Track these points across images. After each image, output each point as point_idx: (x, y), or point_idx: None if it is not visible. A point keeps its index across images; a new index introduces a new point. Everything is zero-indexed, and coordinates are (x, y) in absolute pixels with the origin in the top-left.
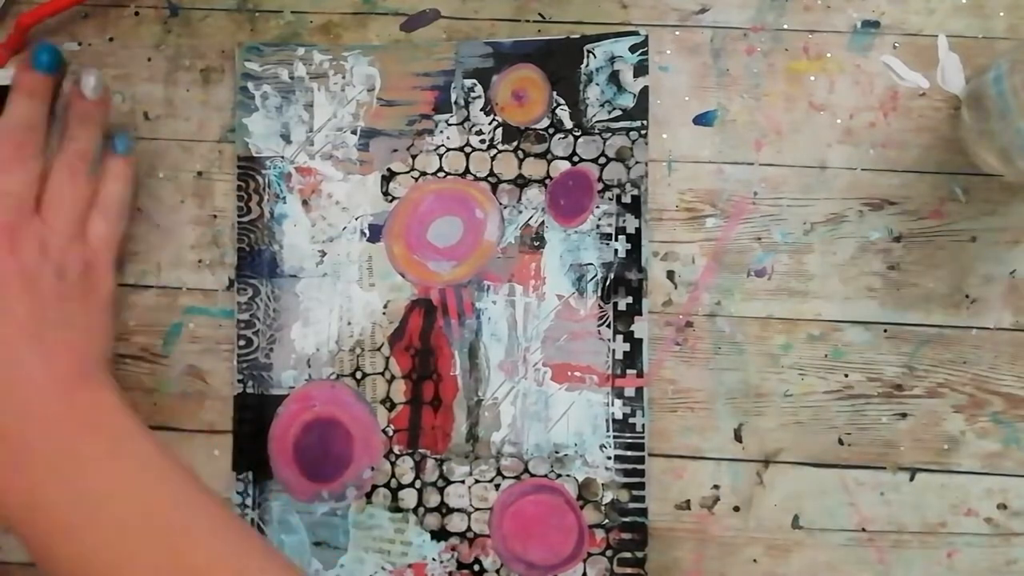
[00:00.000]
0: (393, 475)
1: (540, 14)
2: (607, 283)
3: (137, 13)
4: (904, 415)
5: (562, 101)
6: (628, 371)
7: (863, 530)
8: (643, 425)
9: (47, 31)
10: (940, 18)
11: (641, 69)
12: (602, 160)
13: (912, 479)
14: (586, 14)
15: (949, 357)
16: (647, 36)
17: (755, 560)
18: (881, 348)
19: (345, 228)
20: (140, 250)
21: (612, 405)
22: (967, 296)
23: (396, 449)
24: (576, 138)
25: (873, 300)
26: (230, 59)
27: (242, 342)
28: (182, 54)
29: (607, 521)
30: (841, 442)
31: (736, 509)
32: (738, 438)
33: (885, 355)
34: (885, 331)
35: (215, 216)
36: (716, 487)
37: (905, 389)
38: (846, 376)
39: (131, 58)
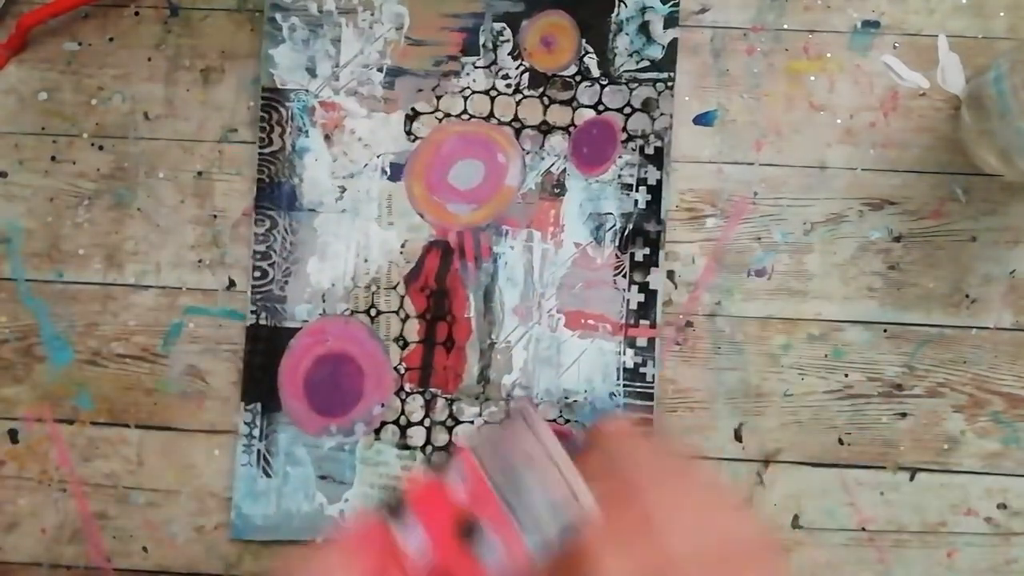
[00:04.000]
0: (403, 413)
1: None
2: (625, 233)
3: (137, 13)
4: (904, 415)
5: (591, 49)
6: (642, 321)
7: (863, 530)
8: (653, 375)
9: (48, 31)
10: (940, 18)
11: (672, 21)
12: (627, 110)
13: (912, 479)
14: None
15: (949, 357)
16: None
17: None
18: (881, 348)
19: (366, 165)
20: (140, 250)
21: (624, 354)
22: (967, 296)
23: (407, 387)
24: (603, 87)
25: (873, 300)
26: (230, 59)
27: (257, 273)
28: (182, 54)
29: None
30: (841, 442)
31: None
32: (738, 438)
33: (885, 355)
34: (885, 331)
35: (215, 216)
36: None
37: (905, 389)
38: (846, 376)
39: (131, 58)
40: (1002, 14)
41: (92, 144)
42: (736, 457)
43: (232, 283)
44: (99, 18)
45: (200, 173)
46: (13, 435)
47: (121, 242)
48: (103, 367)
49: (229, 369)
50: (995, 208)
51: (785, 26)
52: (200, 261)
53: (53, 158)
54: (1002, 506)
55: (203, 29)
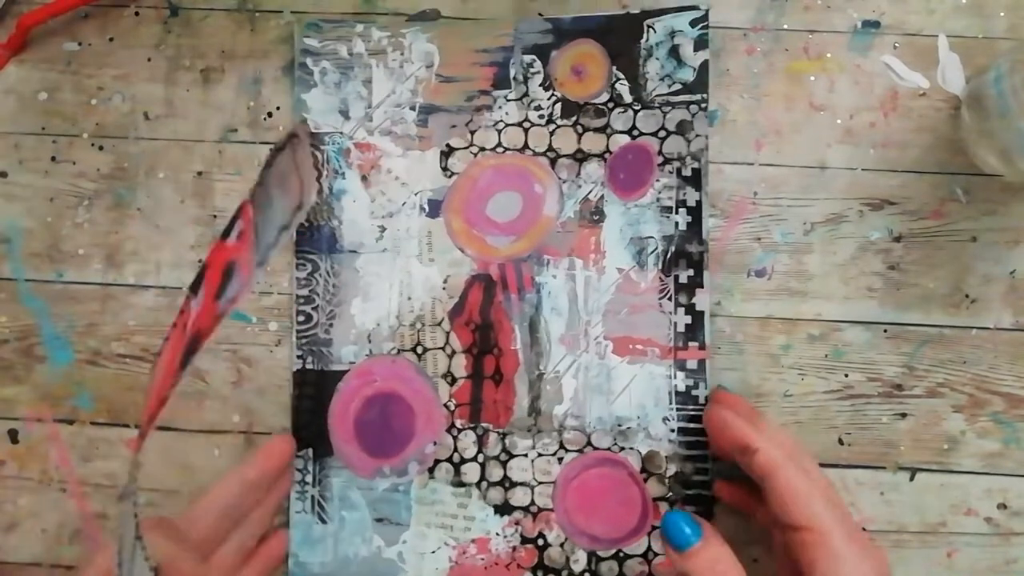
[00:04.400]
0: (455, 449)
1: (539, 13)
2: (668, 256)
3: (137, 13)
4: (904, 415)
5: (622, 75)
6: (690, 343)
7: (863, 529)
8: (706, 397)
9: (48, 31)
10: (940, 18)
11: (701, 43)
12: (662, 133)
13: (912, 479)
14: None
15: (949, 357)
16: (707, 10)
17: (756, 560)
18: (881, 348)
19: (404, 203)
20: (140, 250)
21: (675, 378)
22: (967, 296)
23: (458, 423)
24: (636, 112)
25: (873, 300)
26: (230, 59)
27: (301, 318)
28: (182, 54)
29: (671, 494)
30: (841, 442)
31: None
32: None
33: (885, 355)
34: (885, 331)
35: (215, 216)
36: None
37: (905, 389)
38: (846, 376)
39: (131, 58)
40: (1002, 14)
41: (92, 144)
42: None
43: None
44: (99, 18)
45: (200, 173)
46: (13, 435)
47: (121, 242)
48: (103, 367)
49: (229, 369)
50: (995, 208)
51: (785, 26)
52: (200, 261)
53: (53, 158)
54: (1002, 506)
55: (203, 29)
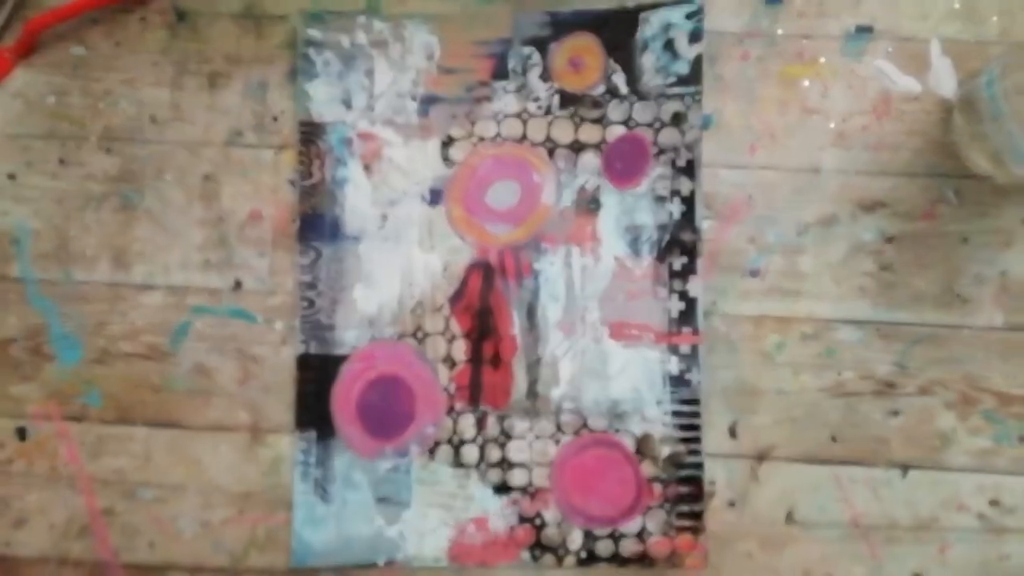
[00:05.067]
0: (455, 431)
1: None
2: (662, 244)
3: (144, 18)
4: (896, 412)
5: (618, 68)
6: (684, 328)
7: (856, 525)
8: (699, 381)
9: (56, 36)
10: (933, 23)
11: (696, 36)
12: (657, 124)
13: (904, 475)
14: None
15: (941, 356)
16: (702, 4)
17: (750, 554)
18: (873, 347)
19: (406, 192)
20: (147, 251)
21: (668, 362)
22: (958, 296)
23: (457, 406)
24: (632, 103)
25: (865, 300)
26: (236, 63)
27: (304, 303)
28: (188, 58)
29: (664, 475)
30: (834, 439)
31: (731, 504)
32: (733, 435)
33: (877, 353)
34: (877, 330)
35: (221, 218)
36: (711, 483)
37: (897, 387)
38: (839, 374)
39: (138, 63)
40: (994, 18)
41: (100, 147)
42: (731, 454)
43: (238, 284)
44: (107, 23)
45: (207, 176)
46: (22, 432)
47: (129, 243)
48: (111, 366)
49: (235, 367)
50: (986, 210)
51: (779, 31)
52: (207, 262)
53: (61, 161)
54: (994, 502)
55: (209, 34)
